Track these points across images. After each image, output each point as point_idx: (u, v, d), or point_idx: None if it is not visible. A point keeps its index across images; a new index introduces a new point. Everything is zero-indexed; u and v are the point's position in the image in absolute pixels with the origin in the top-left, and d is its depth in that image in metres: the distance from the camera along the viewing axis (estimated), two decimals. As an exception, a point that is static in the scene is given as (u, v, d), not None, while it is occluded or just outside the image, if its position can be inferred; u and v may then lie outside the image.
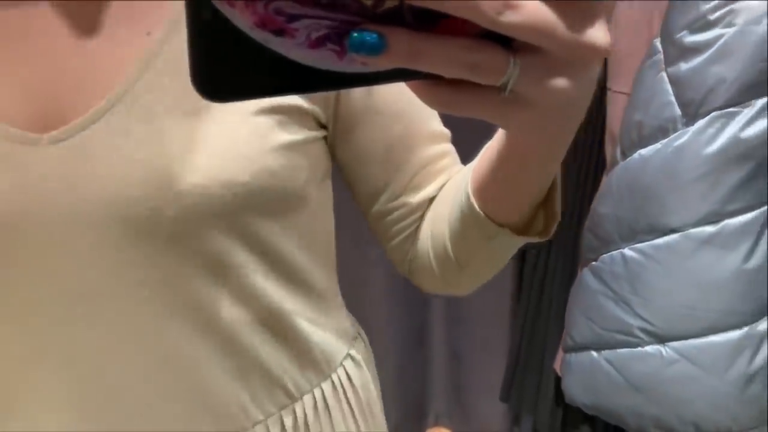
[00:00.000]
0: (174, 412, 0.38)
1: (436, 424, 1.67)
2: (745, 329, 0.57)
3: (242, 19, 0.16)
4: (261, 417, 0.40)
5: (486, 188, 0.32)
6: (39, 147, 0.34)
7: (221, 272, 0.36)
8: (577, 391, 0.68)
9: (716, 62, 0.56)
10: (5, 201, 0.34)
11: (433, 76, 0.18)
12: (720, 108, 0.56)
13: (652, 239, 0.60)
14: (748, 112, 0.55)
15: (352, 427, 0.43)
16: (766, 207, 0.56)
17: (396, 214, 0.41)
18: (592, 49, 0.18)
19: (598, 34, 0.18)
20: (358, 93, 0.39)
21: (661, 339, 0.60)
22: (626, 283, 0.62)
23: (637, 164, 0.62)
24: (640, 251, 0.61)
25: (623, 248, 0.63)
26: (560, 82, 0.18)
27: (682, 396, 0.60)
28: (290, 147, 0.36)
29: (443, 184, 0.40)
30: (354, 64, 0.17)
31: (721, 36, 0.56)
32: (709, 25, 0.56)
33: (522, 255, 1.19)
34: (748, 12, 0.54)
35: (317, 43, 0.17)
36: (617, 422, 0.66)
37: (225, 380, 0.38)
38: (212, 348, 0.37)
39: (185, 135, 0.35)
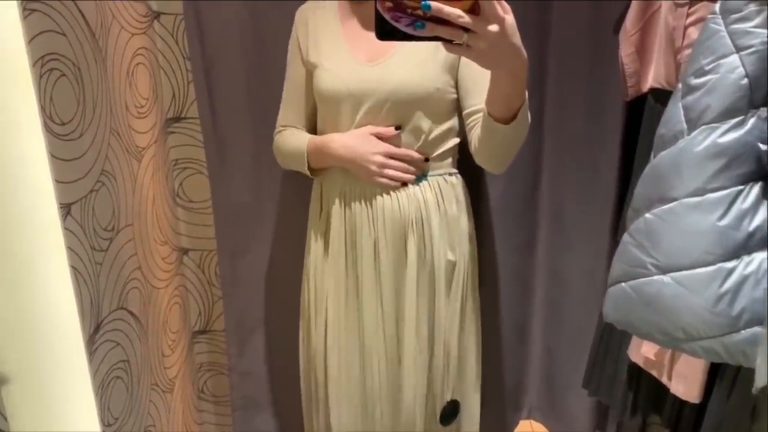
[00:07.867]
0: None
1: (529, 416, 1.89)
2: (718, 265, 0.85)
3: (387, 16, 0.70)
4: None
5: (488, 101, 0.92)
6: (366, 66, 1.11)
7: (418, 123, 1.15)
8: (609, 312, 0.99)
9: (706, 95, 0.87)
10: (351, 85, 1.12)
11: (446, 40, 0.72)
12: (706, 123, 0.87)
13: (662, 206, 0.91)
14: (723, 127, 0.86)
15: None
16: (733, 188, 0.86)
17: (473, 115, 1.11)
18: (486, 32, 0.74)
19: (488, 25, 0.75)
20: (464, 65, 1.13)
21: (663, 270, 0.90)
22: (644, 234, 0.93)
23: (658, 161, 0.94)
24: (654, 214, 0.92)
25: (646, 214, 0.95)
26: (482, 40, 0.74)
27: (675, 309, 0.88)
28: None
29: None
30: (417, 33, 0.71)
31: (710, 80, 0.88)
32: (704, 73, 0.89)
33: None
34: (727, 65, 0.87)
35: (407, 24, 0.70)
36: (634, 331, 0.97)
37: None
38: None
39: (407, 66, 1.11)
